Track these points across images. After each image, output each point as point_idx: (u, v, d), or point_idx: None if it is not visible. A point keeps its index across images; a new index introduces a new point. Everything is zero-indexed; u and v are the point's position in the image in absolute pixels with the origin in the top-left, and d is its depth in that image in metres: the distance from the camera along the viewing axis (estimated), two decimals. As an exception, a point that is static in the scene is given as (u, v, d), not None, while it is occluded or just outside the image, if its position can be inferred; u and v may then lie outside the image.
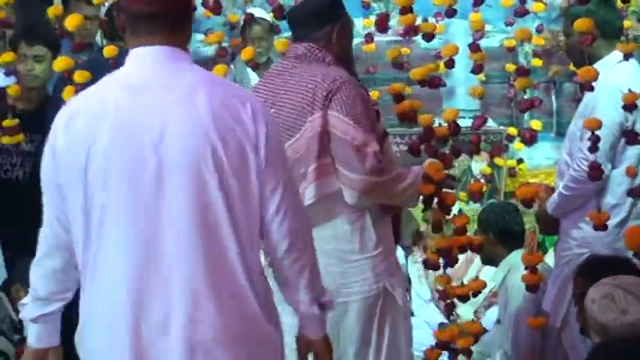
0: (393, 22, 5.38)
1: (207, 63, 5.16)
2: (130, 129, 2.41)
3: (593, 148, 3.54)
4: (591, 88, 3.48)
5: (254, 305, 2.50)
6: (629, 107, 3.56)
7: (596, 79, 3.45)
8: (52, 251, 2.59)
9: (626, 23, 4.29)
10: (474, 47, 3.65)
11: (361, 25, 5.77)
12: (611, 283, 2.96)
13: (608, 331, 2.85)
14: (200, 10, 4.48)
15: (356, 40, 5.10)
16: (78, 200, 2.45)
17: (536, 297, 4.16)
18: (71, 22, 3.69)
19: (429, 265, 3.69)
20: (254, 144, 2.45)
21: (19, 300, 3.63)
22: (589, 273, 3.32)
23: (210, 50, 5.82)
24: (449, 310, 3.78)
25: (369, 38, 4.40)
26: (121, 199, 2.41)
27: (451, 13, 3.77)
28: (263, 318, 2.52)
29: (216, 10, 3.94)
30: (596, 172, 3.61)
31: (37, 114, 4.04)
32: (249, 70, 5.18)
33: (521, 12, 3.81)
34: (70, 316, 2.75)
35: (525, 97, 5.15)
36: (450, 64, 3.59)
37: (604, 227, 3.66)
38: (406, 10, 3.57)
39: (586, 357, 2.71)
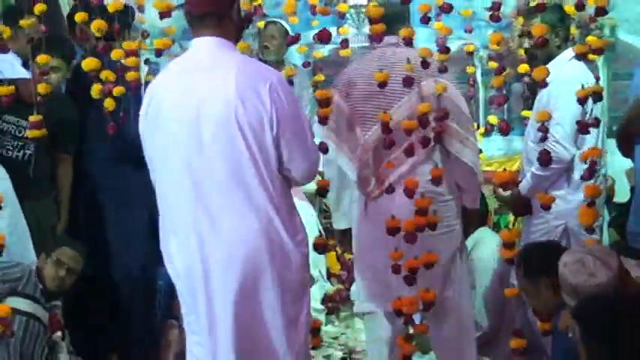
0: (366, 29, 6.07)
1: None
2: (183, 97, 3.26)
3: (543, 138, 3.96)
4: (545, 85, 3.91)
5: (279, 228, 3.27)
6: (583, 100, 3.81)
7: (547, 76, 3.83)
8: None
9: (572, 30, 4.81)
10: (444, 50, 4.01)
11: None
12: (582, 250, 3.26)
13: (578, 291, 3.13)
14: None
15: (333, 46, 5.79)
16: (152, 150, 3.37)
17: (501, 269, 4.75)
18: (96, 25, 4.20)
19: None
20: (268, 110, 3.23)
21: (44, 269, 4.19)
22: (525, 260, 3.71)
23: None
24: (409, 283, 3.78)
25: (344, 44, 4.96)
26: (175, 149, 3.28)
27: (447, 9, 4.08)
28: (287, 239, 3.29)
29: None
30: (546, 158, 4.00)
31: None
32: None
33: (494, 18, 4.09)
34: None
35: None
36: (425, 65, 3.94)
37: (548, 208, 4.03)
38: (377, 20, 3.92)
39: (573, 310, 2.98)
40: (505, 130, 3.97)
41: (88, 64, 4.10)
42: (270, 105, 3.23)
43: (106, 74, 4.12)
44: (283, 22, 5.83)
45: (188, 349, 3.50)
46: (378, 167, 4.10)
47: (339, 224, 4.41)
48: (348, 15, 6.59)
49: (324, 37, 4.12)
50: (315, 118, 3.95)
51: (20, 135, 4.64)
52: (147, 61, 5.56)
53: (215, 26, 3.33)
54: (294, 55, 6.52)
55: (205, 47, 3.33)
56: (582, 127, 3.92)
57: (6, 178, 4.37)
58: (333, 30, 4.34)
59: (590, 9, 3.96)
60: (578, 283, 3.12)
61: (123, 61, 4.15)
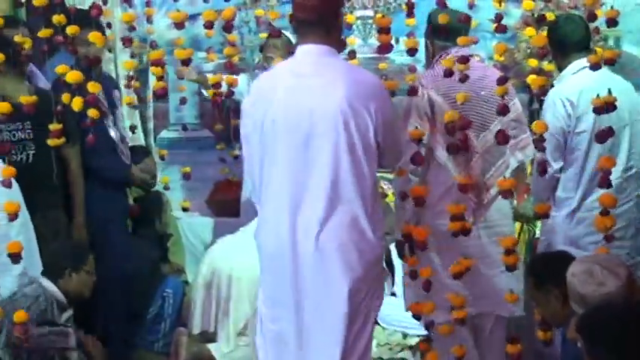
0: (372, 41, 6.14)
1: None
2: (292, 101, 3.48)
3: (540, 147, 3.93)
4: (543, 94, 3.97)
5: (365, 223, 3.49)
6: (598, 110, 3.77)
7: (544, 86, 3.90)
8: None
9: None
10: (464, 59, 3.96)
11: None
12: (590, 260, 3.26)
13: (587, 300, 3.13)
14: (202, 30, 5.18)
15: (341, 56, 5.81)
16: (256, 147, 3.56)
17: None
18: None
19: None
20: (373, 117, 3.46)
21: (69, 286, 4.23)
22: (535, 271, 3.72)
23: (209, 66, 6.47)
24: (427, 289, 3.89)
25: (352, 55, 5.01)
26: (284, 147, 3.50)
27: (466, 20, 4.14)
28: (371, 234, 3.52)
29: (229, 28, 4.54)
30: (542, 168, 4.06)
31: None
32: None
33: (500, 29, 4.14)
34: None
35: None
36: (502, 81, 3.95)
37: (546, 216, 4.08)
38: (384, 29, 3.93)
39: (577, 322, 2.96)
40: (502, 140, 3.95)
41: (72, 76, 4.13)
42: (374, 112, 3.45)
43: (91, 86, 4.16)
44: (287, 33, 5.88)
45: (260, 322, 3.71)
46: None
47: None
48: (354, 26, 6.63)
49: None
50: None
51: (16, 138, 4.70)
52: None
53: (322, 34, 3.51)
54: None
55: (313, 54, 3.53)
56: (598, 137, 3.94)
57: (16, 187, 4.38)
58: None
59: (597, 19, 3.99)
60: (587, 293, 3.14)
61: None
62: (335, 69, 3.52)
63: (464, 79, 3.88)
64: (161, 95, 4.51)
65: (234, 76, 4.70)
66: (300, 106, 3.49)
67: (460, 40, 4.05)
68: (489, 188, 4.17)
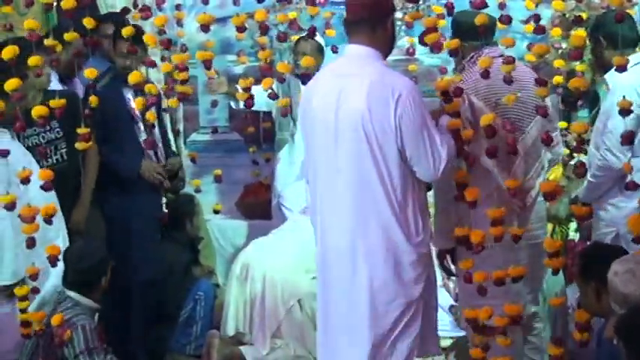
0: (401, 42, 6.13)
1: (236, 79, 5.92)
2: (326, 99, 3.58)
3: (577, 148, 3.95)
4: (580, 96, 4.02)
5: (396, 229, 3.56)
6: (624, 112, 3.78)
7: (586, 87, 3.88)
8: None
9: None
10: (509, 59, 3.88)
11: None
12: (633, 259, 3.23)
13: (628, 300, 3.11)
14: (233, 33, 5.21)
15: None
16: (305, 138, 3.77)
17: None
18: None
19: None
20: (392, 119, 3.47)
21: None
22: (583, 258, 3.65)
23: (239, 69, 6.50)
24: (482, 293, 3.78)
25: None
26: (318, 141, 3.64)
27: (507, 21, 4.00)
28: (403, 240, 3.58)
29: (264, 29, 4.55)
30: (580, 169, 3.89)
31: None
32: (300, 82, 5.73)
33: (538, 30, 4.08)
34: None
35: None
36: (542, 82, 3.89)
37: (586, 218, 3.98)
38: (431, 29, 3.86)
39: (615, 324, 2.98)
40: (547, 141, 3.94)
41: (134, 77, 4.19)
42: (394, 115, 3.46)
43: (149, 87, 4.19)
44: (317, 37, 5.88)
45: None
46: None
47: (438, 243, 4.21)
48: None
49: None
50: None
51: (46, 140, 4.74)
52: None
53: (367, 35, 3.57)
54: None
55: (353, 54, 3.61)
56: (625, 139, 3.95)
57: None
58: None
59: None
60: (629, 293, 3.12)
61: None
62: (367, 71, 3.53)
63: (509, 80, 3.81)
64: (185, 99, 4.51)
65: (271, 79, 4.70)
66: (330, 105, 3.56)
67: (503, 40, 4.02)
68: (529, 190, 4.15)
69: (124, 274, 4.97)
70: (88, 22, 4.25)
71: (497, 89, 3.99)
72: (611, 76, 4.41)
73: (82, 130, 4.19)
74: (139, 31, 4.61)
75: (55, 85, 4.99)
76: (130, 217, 5.10)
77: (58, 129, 4.77)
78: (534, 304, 4.35)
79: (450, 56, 4.04)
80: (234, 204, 6.52)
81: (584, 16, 4.34)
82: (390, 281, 3.60)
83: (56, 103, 3.91)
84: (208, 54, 4.53)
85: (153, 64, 4.92)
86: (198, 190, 5.98)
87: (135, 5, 5.31)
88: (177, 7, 5.68)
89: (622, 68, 3.82)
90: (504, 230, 3.77)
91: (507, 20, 3.99)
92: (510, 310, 3.76)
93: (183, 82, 4.44)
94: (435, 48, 3.84)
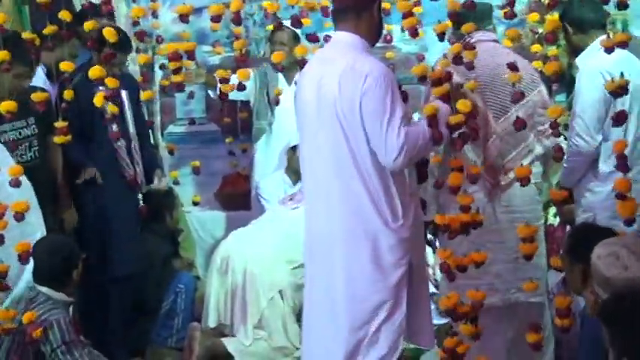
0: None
1: (212, 70, 5.89)
2: (310, 85, 3.66)
3: (555, 133, 3.93)
4: (556, 80, 3.92)
5: (372, 213, 3.56)
6: (614, 93, 3.77)
7: (561, 71, 3.86)
8: None
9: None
10: (469, 46, 3.90)
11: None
12: (616, 242, 3.16)
13: (610, 283, 3.06)
14: (208, 24, 5.17)
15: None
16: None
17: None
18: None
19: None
20: (358, 101, 3.50)
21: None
22: (570, 238, 3.62)
23: (216, 59, 6.46)
24: (451, 278, 3.78)
25: None
26: (305, 127, 3.73)
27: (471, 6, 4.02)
28: (380, 224, 3.58)
29: (237, 20, 4.53)
30: (558, 153, 3.93)
31: (25, 102, 4.31)
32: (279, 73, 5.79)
33: (509, 16, 4.08)
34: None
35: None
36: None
37: (564, 203, 4.14)
38: (408, 14, 3.85)
39: (599, 309, 2.95)
40: (517, 126, 3.91)
41: (94, 72, 4.15)
42: (360, 97, 3.49)
43: (109, 82, 4.15)
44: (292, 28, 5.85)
45: None
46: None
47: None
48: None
49: (313, 40, 4.49)
50: None
51: (21, 136, 4.69)
52: (162, 67, 5.58)
53: (354, 21, 3.63)
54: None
55: (338, 41, 3.67)
56: (619, 118, 3.90)
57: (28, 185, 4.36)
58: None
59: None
60: (611, 276, 3.08)
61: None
62: (345, 57, 3.56)
63: (470, 66, 3.84)
64: (179, 89, 4.52)
65: (247, 70, 4.66)
66: (312, 92, 3.63)
67: (508, 32, 4.07)
68: (508, 172, 4.16)
69: (103, 269, 4.97)
70: (64, 15, 4.21)
71: (480, 74, 4.04)
72: (581, 59, 4.43)
73: (59, 124, 4.19)
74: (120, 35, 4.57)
75: (39, 81, 4.95)
76: (107, 211, 5.07)
77: (34, 125, 4.72)
78: (537, 296, 4.26)
79: (439, 41, 4.03)
80: (213, 195, 6.50)
81: (558, -1, 4.31)
82: (368, 266, 3.60)
83: (39, 96, 3.88)
84: (191, 44, 4.48)
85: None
86: (176, 182, 5.95)
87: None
88: (152, -2, 5.63)
89: (609, 50, 3.82)
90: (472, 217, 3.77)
91: (471, 6, 4.01)
92: (473, 296, 3.74)
93: (176, 71, 4.39)
94: (412, 33, 3.86)
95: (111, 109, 4.35)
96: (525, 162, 4.18)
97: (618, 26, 6.26)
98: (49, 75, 5.10)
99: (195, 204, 6.20)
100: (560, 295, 3.77)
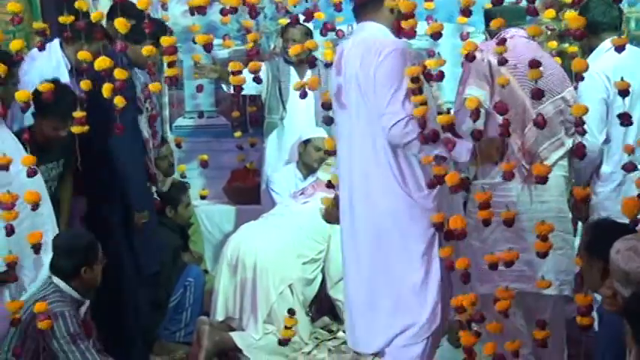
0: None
1: (223, 63, 5.87)
2: (337, 65, 3.96)
3: (580, 131, 3.87)
4: (582, 78, 3.82)
5: (393, 183, 3.83)
6: (622, 93, 3.84)
7: (586, 69, 3.78)
8: None
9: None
10: (502, 41, 3.93)
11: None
12: (636, 237, 3.18)
13: (630, 278, 3.08)
14: (218, 17, 5.16)
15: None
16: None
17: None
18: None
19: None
20: (374, 68, 3.75)
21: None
22: (588, 235, 3.60)
23: (225, 53, 6.43)
24: (465, 281, 3.75)
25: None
26: (336, 108, 4.00)
27: (467, 13, 3.98)
28: (403, 194, 3.83)
29: (254, 13, 4.53)
30: (579, 152, 3.93)
31: (61, 145, 4.51)
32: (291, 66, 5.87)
33: (531, 12, 3.97)
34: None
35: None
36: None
37: (584, 200, 4.09)
38: (409, 15, 3.83)
39: (623, 306, 2.99)
40: (539, 123, 3.88)
41: (100, 63, 4.06)
42: (375, 68, 3.75)
43: (117, 73, 4.11)
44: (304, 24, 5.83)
45: None
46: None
47: None
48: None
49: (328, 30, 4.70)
50: None
51: (50, 177, 4.65)
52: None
53: (373, 12, 3.91)
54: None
55: (359, 29, 3.97)
56: (624, 119, 3.93)
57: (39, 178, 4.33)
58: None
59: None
60: (630, 270, 3.07)
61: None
62: (367, 41, 3.84)
63: (502, 62, 3.93)
64: (173, 83, 4.50)
65: (259, 62, 4.63)
66: (340, 70, 3.93)
67: (529, 29, 4.14)
68: (543, 161, 4.13)
69: (123, 268, 4.90)
70: (81, 5, 4.17)
71: (522, 62, 4.03)
72: (592, 59, 4.41)
73: (77, 114, 4.16)
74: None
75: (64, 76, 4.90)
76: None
77: (62, 167, 4.71)
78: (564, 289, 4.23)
79: (434, 40, 3.99)
80: (222, 189, 6.48)
81: (575, -4, 4.30)
82: (394, 231, 3.82)
83: (45, 87, 3.86)
84: (208, 37, 4.44)
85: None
86: (184, 176, 5.94)
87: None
88: (162, -9, 5.60)
89: (620, 49, 3.88)
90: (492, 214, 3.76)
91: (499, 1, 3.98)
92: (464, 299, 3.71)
93: (171, 65, 4.35)
94: (409, 34, 3.87)
95: (118, 101, 4.31)
96: (558, 154, 4.19)
97: (632, 24, 6.25)
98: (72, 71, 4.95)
99: (202, 197, 6.17)
100: (579, 292, 3.74)
